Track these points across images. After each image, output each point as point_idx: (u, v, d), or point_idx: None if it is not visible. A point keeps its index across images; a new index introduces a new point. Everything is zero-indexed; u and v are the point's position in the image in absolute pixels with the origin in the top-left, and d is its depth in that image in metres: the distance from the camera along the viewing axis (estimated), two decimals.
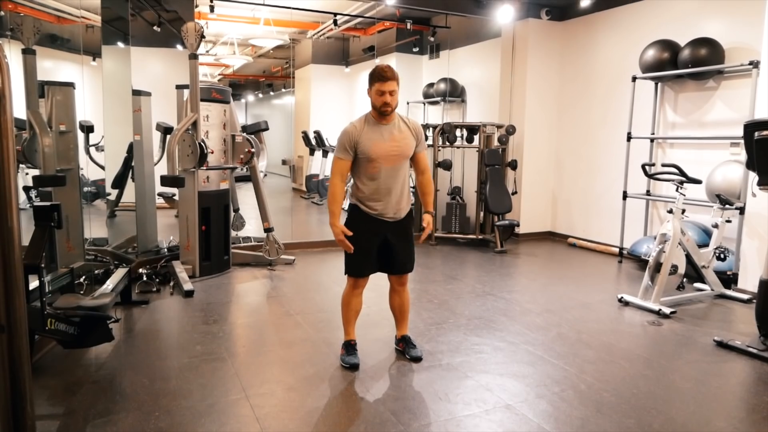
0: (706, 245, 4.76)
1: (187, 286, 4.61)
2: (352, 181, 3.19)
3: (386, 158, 3.03)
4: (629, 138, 6.04)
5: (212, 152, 5.04)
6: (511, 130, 6.93)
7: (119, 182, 5.64)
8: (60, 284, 3.86)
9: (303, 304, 4.43)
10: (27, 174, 4.31)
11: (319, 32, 9.60)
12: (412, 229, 3.31)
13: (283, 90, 12.32)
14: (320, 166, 10.21)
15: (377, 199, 3.09)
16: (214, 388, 2.88)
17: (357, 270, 3.18)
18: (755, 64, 4.76)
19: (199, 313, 4.13)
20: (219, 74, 13.19)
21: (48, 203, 2.81)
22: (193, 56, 4.82)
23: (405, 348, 3.35)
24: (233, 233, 5.86)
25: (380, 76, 2.96)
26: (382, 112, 3.01)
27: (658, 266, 4.33)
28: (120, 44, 5.52)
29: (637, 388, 2.97)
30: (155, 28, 6.70)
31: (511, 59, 7.33)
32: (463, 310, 4.31)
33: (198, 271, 5.08)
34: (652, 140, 6.00)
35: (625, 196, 6.09)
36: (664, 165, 4.83)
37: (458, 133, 7.08)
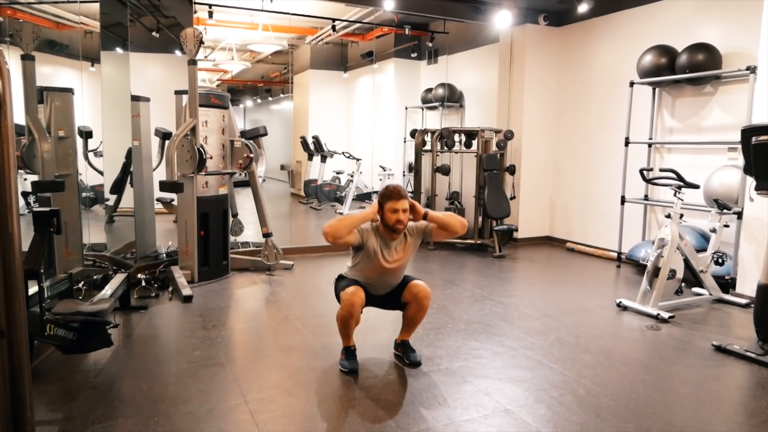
0: (704, 250, 4.77)
1: (186, 291, 4.61)
2: (350, 263, 3.31)
3: (388, 266, 3.17)
4: (627, 143, 6.06)
5: (211, 157, 5.05)
6: (509, 135, 6.95)
7: (118, 187, 5.64)
8: (59, 290, 3.85)
9: (302, 309, 4.43)
10: (26, 179, 4.32)
11: (317, 38, 9.63)
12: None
13: (282, 95, 12.34)
14: (318, 171, 10.23)
15: (375, 285, 3.25)
16: (212, 394, 2.88)
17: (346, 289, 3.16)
18: (752, 70, 4.78)
19: (198, 319, 4.13)
20: (217, 80, 13.21)
21: (47, 209, 2.81)
22: (192, 62, 4.84)
23: (404, 353, 3.35)
24: (232, 238, 5.86)
25: (393, 195, 3.07)
26: (394, 229, 3.10)
27: (656, 271, 4.34)
28: (119, 50, 5.54)
29: (636, 392, 2.98)
30: (154, 33, 6.72)
31: (509, 64, 7.36)
32: (461, 314, 4.31)
33: (197, 276, 5.08)
34: (649, 145, 6.02)
35: (623, 200, 6.10)
36: (661, 170, 4.84)
37: (456, 138, 7.10)
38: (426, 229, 3.24)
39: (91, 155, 5.39)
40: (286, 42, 10.13)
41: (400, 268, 3.24)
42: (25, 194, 4.55)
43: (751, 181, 3.65)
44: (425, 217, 3.16)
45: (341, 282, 3.27)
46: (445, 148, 6.99)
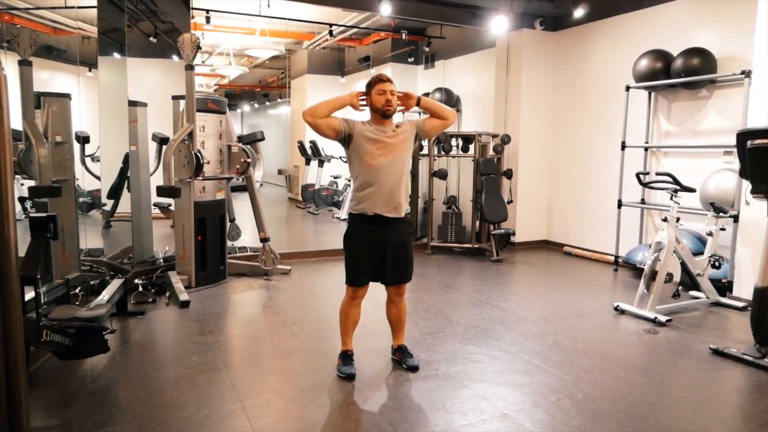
0: (701, 253, 4.78)
1: (183, 296, 4.60)
2: (350, 192, 3.21)
3: (384, 149, 3.04)
4: (623, 147, 6.08)
5: (208, 162, 5.05)
6: (506, 140, 6.97)
7: (115, 193, 5.63)
8: (55, 295, 3.85)
9: (299, 314, 4.43)
10: (22, 185, 4.31)
11: (314, 43, 9.66)
12: (412, 239, 3.31)
13: (279, 100, 12.37)
14: (316, 176, 10.24)
15: (375, 191, 3.05)
16: (210, 399, 2.87)
17: (356, 278, 3.17)
18: (747, 74, 4.81)
19: (195, 324, 4.12)
20: (215, 84, 13.22)
21: (44, 214, 2.81)
22: (189, 67, 4.84)
23: (401, 357, 3.35)
24: (229, 243, 5.85)
25: (379, 79, 3.07)
26: (384, 112, 3.05)
27: (653, 274, 4.35)
28: (116, 55, 5.54)
29: (634, 396, 2.98)
30: (151, 39, 6.74)
31: (506, 69, 7.39)
32: (459, 319, 4.31)
33: (194, 281, 5.07)
34: (646, 149, 6.04)
35: (619, 204, 6.12)
36: (658, 174, 4.86)
37: (454, 142, 7.11)
38: (419, 124, 3.20)
39: (88, 160, 5.38)
40: (284, 47, 10.16)
41: (399, 159, 3.10)
42: (21, 199, 4.54)
43: (746, 185, 3.66)
44: (418, 102, 3.17)
45: (348, 252, 3.18)
46: (442, 153, 7.00)
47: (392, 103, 3.05)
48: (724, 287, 4.88)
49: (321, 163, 10.17)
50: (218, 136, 5.24)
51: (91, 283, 4.50)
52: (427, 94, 9.08)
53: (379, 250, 3.14)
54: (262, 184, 5.86)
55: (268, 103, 13.17)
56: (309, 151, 10.21)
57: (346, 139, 3.08)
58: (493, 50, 7.66)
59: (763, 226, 4.39)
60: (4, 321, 1.72)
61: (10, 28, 4.54)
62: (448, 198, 7.21)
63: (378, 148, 3.05)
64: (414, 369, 3.27)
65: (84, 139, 5.19)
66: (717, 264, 4.68)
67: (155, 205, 6.08)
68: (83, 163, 5.30)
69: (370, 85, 3.09)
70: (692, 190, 4.57)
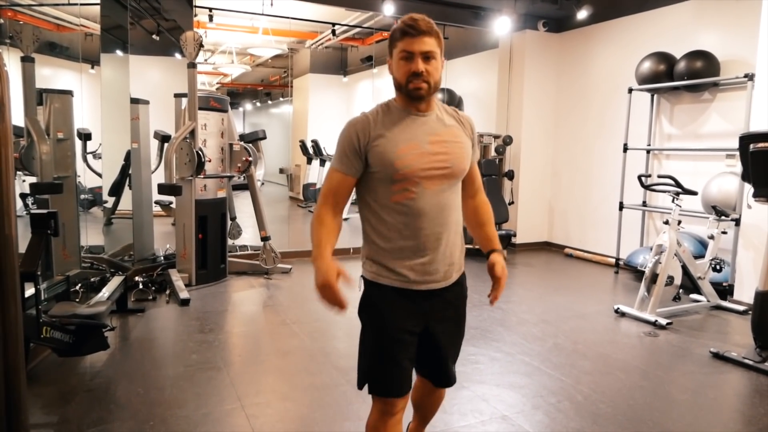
0: (702, 256, 4.78)
1: (183, 294, 4.60)
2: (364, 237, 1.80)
3: (427, 174, 1.67)
4: (625, 149, 6.07)
5: (210, 161, 5.04)
6: (508, 141, 6.96)
7: (116, 190, 5.64)
8: (55, 292, 3.86)
9: (299, 313, 4.42)
10: (24, 181, 4.31)
11: (317, 42, 9.65)
12: (465, 306, 1.91)
13: (281, 99, 12.36)
14: (317, 175, 10.24)
15: (414, 252, 1.70)
16: (209, 398, 2.87)
17: (389, 382, 1.76)
18: (750, 77, 4.80)
19: (195, 322, 4.12)
20: (217, 83, 13.23)
21: (45, 211, 2.81)
22: (192, 65, 4.84)
23: None
24: (230, 242, 5.85)
25: (406, 30, 1.65)
26: (411, 92, 1.67)
27: (654, 277, 4.34)
28: (119, 52, 5.55)
29: (634, 399, 2.97)
30: (154, 36, 6.73)
31: (509, 70, 7.38)
32: None
33: (194, 279, 5.07)
34: (648, 151, 6.03)
35: (621, 206, 6.11)
36: (660, 176, 4.86)
37: None
38: (475, 150, 1.82)
39: (89, 157, 5.39)
40: (286, 46, 10.16)
41: (451, 173, 1.71)
42: (23, 196, 4.54)
43: (749, 188, 3.65)
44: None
45: (368, 336, 1.79)
46: None
47: (430, 76, 1.67)
48: (725, 290, 4.88)
49: (323, 162, 10.17)
50: (220, 135, 5.24)
51: (92, 280, 4.50)
52: None
53: (419, 332, 1.78)
54: (263, 183, 5.86)
55: (270, 102, 13.16)
56: (311, 150, 10.21)
57: (366, 162, 1.69)
58: (495, 51, 7.65)
59: (764, 230, 4.39)
60: (3, 317, 1.72)
61: (13, 24, 4.55)
62: None
63: (419, 166, 1.66)
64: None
65: (86, 136, 5.20)
66: (718, 267, 4.67)
67: (156, 202, 6.07)
68: (85, 160, 5.30)
69: (392, 40, 1.71)
70: (694, 193, 4.56)
